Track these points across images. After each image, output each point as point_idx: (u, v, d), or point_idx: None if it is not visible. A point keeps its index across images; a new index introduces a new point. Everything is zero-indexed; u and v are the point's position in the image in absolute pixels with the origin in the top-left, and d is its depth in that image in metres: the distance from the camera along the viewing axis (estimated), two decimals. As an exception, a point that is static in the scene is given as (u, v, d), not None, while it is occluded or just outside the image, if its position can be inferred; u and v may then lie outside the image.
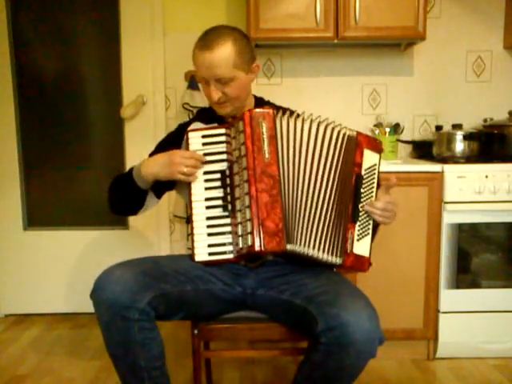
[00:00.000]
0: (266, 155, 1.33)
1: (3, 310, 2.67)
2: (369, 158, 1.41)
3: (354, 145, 1.39)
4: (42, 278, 2.65)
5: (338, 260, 1.34)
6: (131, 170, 1.48)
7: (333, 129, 1.39)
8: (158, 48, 2.49)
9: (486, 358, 2.11)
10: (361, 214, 1.38)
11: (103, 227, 2.63)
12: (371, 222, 1.41)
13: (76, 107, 2.58)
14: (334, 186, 1.36)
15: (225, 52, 1.40)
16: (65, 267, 2.64)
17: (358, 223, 1.37)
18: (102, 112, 2.60)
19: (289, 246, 1.30)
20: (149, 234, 2.62)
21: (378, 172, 1.44)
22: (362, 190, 1.38)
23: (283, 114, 1.37)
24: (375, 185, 1.43)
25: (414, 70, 2.51)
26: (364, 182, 1.39)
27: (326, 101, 2.52)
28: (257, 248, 1.28)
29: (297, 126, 1.36)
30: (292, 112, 1.42)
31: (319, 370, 1.24)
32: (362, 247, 1.38)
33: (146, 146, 2.46)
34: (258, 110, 1.35)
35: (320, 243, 1.33)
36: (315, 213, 1.34)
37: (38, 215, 2.66)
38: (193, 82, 2.40)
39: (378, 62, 2.50)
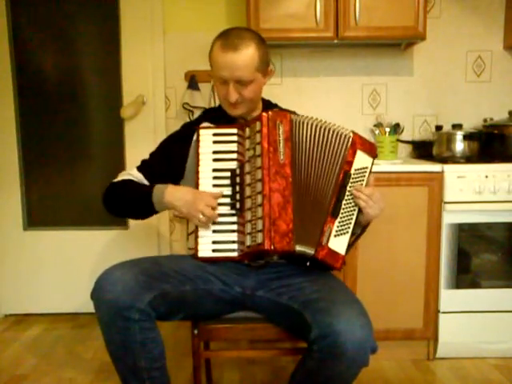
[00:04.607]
0: (281, 156, 1.33)
1: (3, 309, 2.67)
2: (361, 159, 1.41)
3: (348, 143, 1.39)
4: (42, 278, 2.65)
5: (310, 250, 1.33)
6: (149, 191, 1.42)
7: (333, 131, 1.40)
8: (158, 48, 2.49)
9: (486, 358, 2.11)
10: (343, 211, 1.37)
11: (103, 227, 2.63)
12: (352, 221, 1.39)
13: (76, 107, 2.58)
14: (325, 181, 1.37)
15: (249, 55, 1.41)
16: (65, 267, 2.64)
17: (339, 219, 1.36)
18: (102, 112, 2.60)
19: (298, 247, 1.31)
20: (149, 234, 2.62)
21: (369, 176, 1.43)
22: (348, 188, 1.38)
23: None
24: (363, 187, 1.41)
25: (414, 70, 2.50)
26: (352, 180, 1.39)
27: (326, 101, 2.52)
28: (266, 246, 1.27)
29: (308, 130, 1.38)
30: (297, 115, 1.43)
31: (312, 377, 1.25)
32: (338, 244, 1.36)
33: (146, 146, 2.47)
34: (275, 112, 1.37)
35: (300, 235, 1.31)
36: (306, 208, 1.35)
37: (38, 215, 2.66)
38: (193, 82, 2.39)
39: (378, 62, 2.50)
